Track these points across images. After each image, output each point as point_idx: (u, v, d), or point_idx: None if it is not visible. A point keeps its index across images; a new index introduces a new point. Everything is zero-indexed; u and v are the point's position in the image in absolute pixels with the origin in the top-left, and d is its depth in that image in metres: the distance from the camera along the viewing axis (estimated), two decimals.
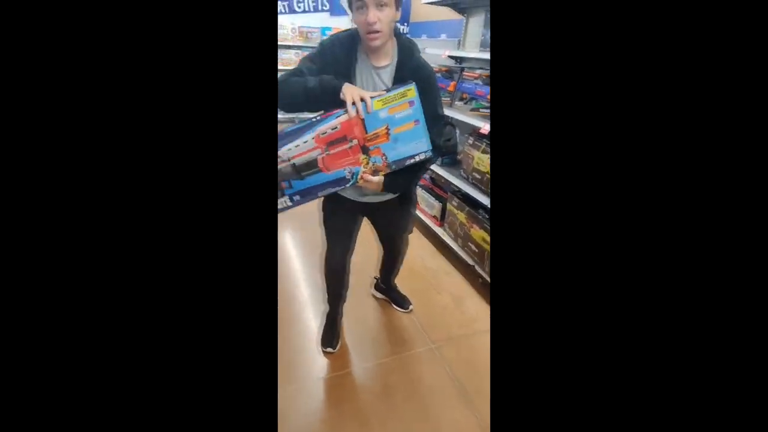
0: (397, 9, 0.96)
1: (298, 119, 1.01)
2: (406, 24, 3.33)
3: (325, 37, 1.09)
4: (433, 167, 2.14)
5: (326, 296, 1.46)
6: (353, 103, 0.93)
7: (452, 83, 2.18)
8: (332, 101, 0.96)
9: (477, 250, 1.86)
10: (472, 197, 1.87)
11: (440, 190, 2.33)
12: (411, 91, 0.95)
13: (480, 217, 1.84)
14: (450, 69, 2.31)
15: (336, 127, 0.96)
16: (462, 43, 2.48)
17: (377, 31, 0.93)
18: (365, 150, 0.99)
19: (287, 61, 4.22)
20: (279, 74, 1.00)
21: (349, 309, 1.56)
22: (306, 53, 1.12)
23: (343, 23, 4.00)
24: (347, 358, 1.46)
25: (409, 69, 1.02)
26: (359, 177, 1.02)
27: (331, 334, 1.48)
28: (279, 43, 4.47)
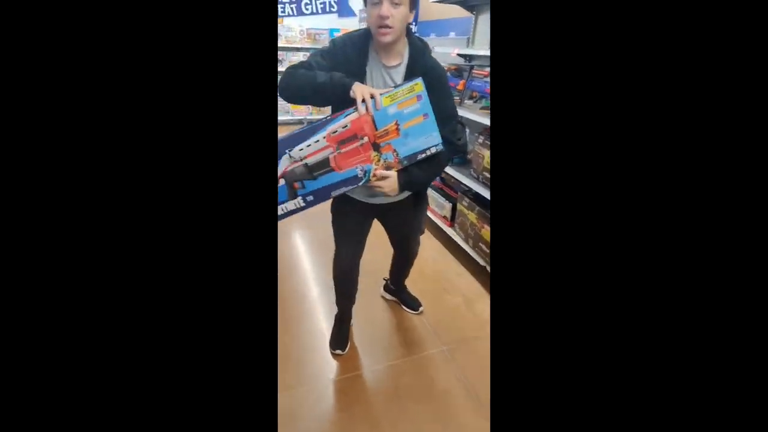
0: (411, 10, 0.97)
1: (306, 121, 1.00)
2: (414, 23, 3.31)
3: (337, 35, 1.08)
4: None
5: (335, 298, 1.45)
6: (363, 101, 0.93)
7: (461, 82, 2.16)
8: (341, 99, 0.95)
9: (488, 251, 1.84)
10: (483, 197, 1.84)
11: (450, 189, 2.30)
12: (418, 85, 0.95)
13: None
14: (459, 67, 2.28)
15: (346, 126, 0.96)
16: (471, 41, 2.45)
17: (389, 27, 0.93)
18: (376, 147, 0.99)
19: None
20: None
21: (358, 311, 1.55)
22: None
23: (351, 25, 4.00)
24: (357, 360, 1.44)
25: (421, 69, 1.01)
26: (371, 175, 1.01)
27: (340, 336, 1.47)
28: (288, 45, 4.51)
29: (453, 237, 2.15)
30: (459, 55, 2.18)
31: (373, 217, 1.30)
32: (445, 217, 2.25)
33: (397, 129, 0.97)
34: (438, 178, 2.40)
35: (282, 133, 0.98)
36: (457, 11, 2.49)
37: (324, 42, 4.22)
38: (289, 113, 4.74)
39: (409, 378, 1.37)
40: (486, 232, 1.85)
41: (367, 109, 0.94)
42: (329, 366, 1.41)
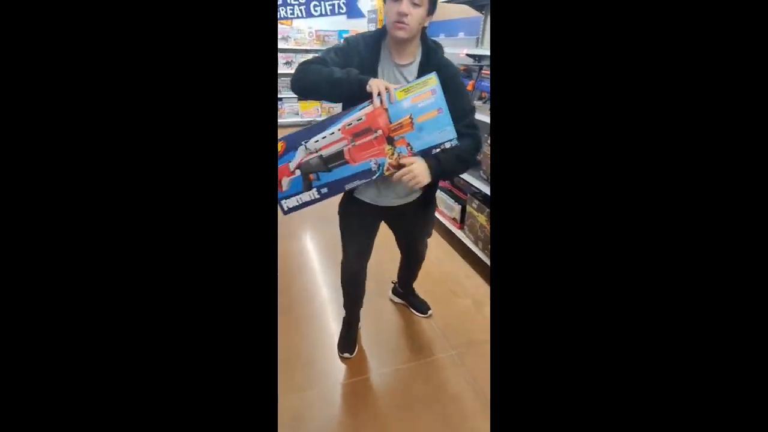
0: (429, 14, 0.97)
1: (315, 123, 1.01)
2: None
3: (348, 35, 1.09)
4: None
5: (343, 301, 1.45)
6: (378, 94, 0.93)
7: (471, 82, 2.14)
8: (357, 94, 0.96)
9: None
10: None
11: (459, 191, 2.28)
12: (432, 79, 0.95)
13: None
14: (468, 68, 2.26)
15: (361, 118, 0.97)
16: (481, 40, 2.43)
17: (405, 23, 0.94)
18: (390, 141, 0.99)
19: None
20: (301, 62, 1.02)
21: (366, 314, 1.54)
22: None
23: (359, 26, 4.00)
24: (365, 364, 1.44)
25: (434, 67, 1.01)
26: (387, 167, 0.99)
27: (348, 340, 1.46)
28: (297, 47, 4.54)
29: (462, 239, 2.13)
30: (468, 55, 2.16)
31: (381, 220, 1.29)
32: (454, 219, 2.23)
33: (411, 123, 0.97)
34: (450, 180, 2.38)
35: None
36: (466, 11, 2.48)
37: (333, 44, 4.23)
38: (298, 115, 4.77)
39: (417, 382, 1.36)
40: None
41: (381, 102, 0.94)
42: (338, 369, 1.40)
